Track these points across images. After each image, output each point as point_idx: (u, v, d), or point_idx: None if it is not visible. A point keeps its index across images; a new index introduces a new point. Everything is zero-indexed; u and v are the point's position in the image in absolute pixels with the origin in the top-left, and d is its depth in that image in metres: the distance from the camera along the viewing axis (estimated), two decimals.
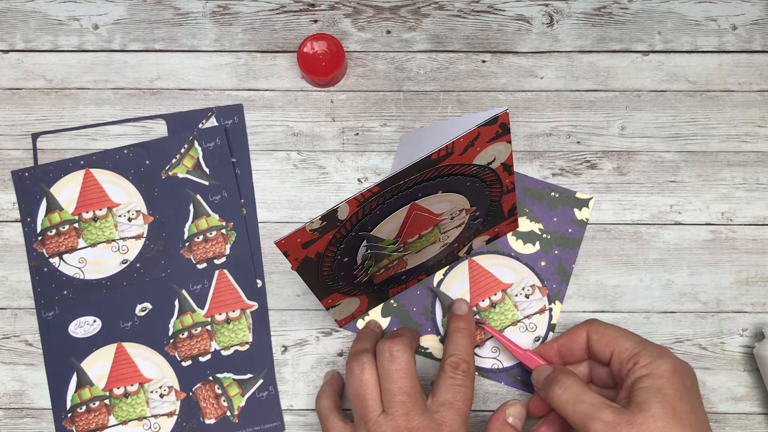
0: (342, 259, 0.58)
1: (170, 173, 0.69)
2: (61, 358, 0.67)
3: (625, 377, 0.56)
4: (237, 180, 0.70)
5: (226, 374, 0.67)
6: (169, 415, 0.66)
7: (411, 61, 0.72)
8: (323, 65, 0.69)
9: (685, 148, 0.70)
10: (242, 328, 0.67)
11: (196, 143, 0.70)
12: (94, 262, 0.68)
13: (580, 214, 0.69)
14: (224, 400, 0.66)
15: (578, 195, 0.69)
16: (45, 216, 0.69)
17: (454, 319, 0.62)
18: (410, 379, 0.56)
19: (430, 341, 0.68)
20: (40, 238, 0.68)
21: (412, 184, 0.55)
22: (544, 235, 0.69)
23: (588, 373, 0.62)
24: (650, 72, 0.71)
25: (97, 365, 0.67)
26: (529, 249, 0.69)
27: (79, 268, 0.68)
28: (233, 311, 0.68)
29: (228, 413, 0.66)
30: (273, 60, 0.72)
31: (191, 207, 0.69)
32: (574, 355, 0.61)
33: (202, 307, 0.68)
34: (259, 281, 0.68)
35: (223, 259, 0.68)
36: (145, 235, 0.69)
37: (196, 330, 0.67)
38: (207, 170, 0.69)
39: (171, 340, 0.67)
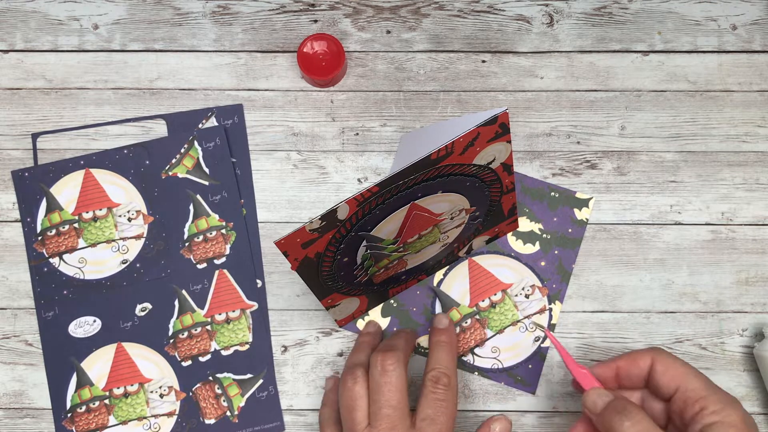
0: (342, 259, 0.58)
1: (170, 173, 0.69)
2: (61, 358, 0.67)
3: (690, 421, 0.53)
4: (237, 180, 0.70)
5: (226, 374, 0.67)
6: (169, 415, 0.66)
7: (411, 61, 0.72)
8: (323, 65, 0.69)
9: (685, 148, 0.70)
10: (242, 328, 0.67)
11: (196, 143, 0.70)
12: (94, 262, 0.68)
13: (580, 214, 0.69)
14: (224, 400, 0.67)
15: (578, 195, 0.69)
16: (45, 216, 0.69)
17: (434, 332, 0.61)
18: (398, 394, 0.56)
19: None
20: (40, 238, 0.68)
21: (411, 184, 0.55)
22: (544, 235, 0.69)
23: (640, 404, 0.58)
24: (650, 72, 0.71)
25: (97, 365, 0.67)
26: (529, 249, 0.69)
27: (79, 268, 0.68)
28: (233, 311, 0.68)
29: (228, 413, 0.66)
30: (273, 60, 0.72)
31: (191, 207, 0.69)
32: (632, 380, 0.57)
33: (202, 307, 0.68)
34: (259, 281, 0.68)
35: (223, 259, 0.68)
36: (145, 235, 0.69)
37: (196, 330, 0.67)
38: (207, 170, 0.69)
39: (171, 340, 0.67)
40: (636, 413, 0.51)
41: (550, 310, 0.68)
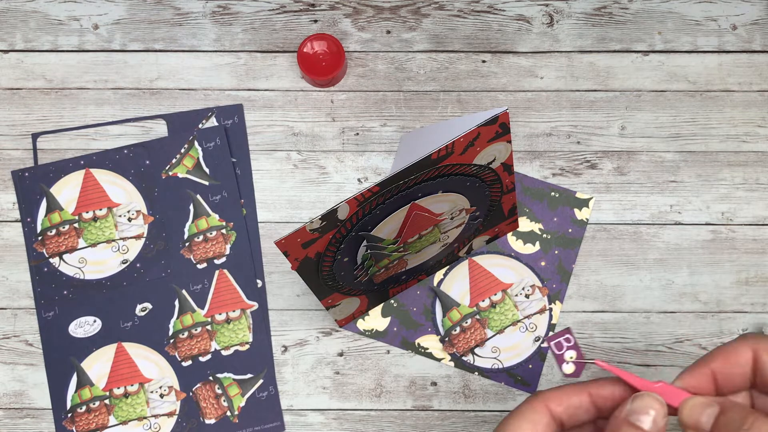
0: (342, 259, 0.58)
1: (170, 173, 0.69)
2: (61, 358, 0.67)
3: None
4: (237, 180, 0.70)
5: (226, 374, 0.67)
6: (169, 415, 0.66)
7: (411, 61, 0.72)
8: (323, 65, 0.69)
9: (685, 148, 0.70)
10: (242, 328, 0.67)
11: (196, 143, 0.70)
12: (94, 262, 0.68)
13: (580, 214, 0.69)
14: (224, 400, 0.67)
15: (578, 195, 0.69)
16: (45, 216, 0.69)
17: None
18: None
19: (430, 341, 0.68)
20: (40, 238, 0.68)
21: (412, 184, 0.55)
22: (544, 235, 0.69)
23: (749, 405, 0.45)
24: (650, 72, 0.71)
25: (97, 365, 0.67)
26: (529, 249, 0.69)
27: (79, 268, 0.68)
28: (233, 311, 0.68)
29: (228, 413, 0.66)
30: (273, 60, 0.72)
31: (191, 207, 0.69)
32: (733, 382, 0.43)
33: (202, 307, 0.68)
34: (259, 281, 0.68)
35: (223, 259, 0.68)
36: (145, 235, 0.69)
37: (196, 330, 0.67)
38: (207, 170, 0.69)
39: (171, 340, 0.67)
40: (765, 427, 0.39)
41: (550, 310, 0.68)
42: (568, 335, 0.56)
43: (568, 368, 0.56)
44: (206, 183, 0.69)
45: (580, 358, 0.51)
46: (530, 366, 0.67)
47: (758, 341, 0.43)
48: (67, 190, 0.69)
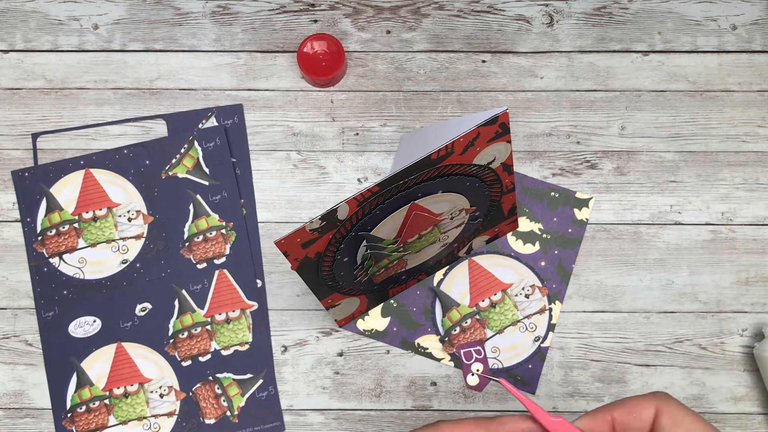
0: (342, 259, 0.58)
1: (170, 173, 0.69)
2: (61, 358, 0.67)
3: None
4: (237, 180, 0.70)
5: (226, 374, 0.67)
6: (169, 415, 0.66)
7: (411, 61, 0.72)
8: (323, 65, 0.69)
9: (685, 148, 0.70)
10: (242, 328, 0.67)
11: (196, 143, 0.70)
12: (94, 262, 0.68)
13: (580, 214, 0.69)
14: (224, 400, 0.66)
15: (578, 195, 0.69)
16: (45, 216, 0.69)
17: None
18: None
19: (430, 341, 0.68)
20: (40, 238, 0.68)
21: (412, 184, 0.55)
22: (544, 235, 0.69)
23: None
24: (650, 72, 0.71)
25: (97, 365, 0.67)
26: (529, 249, 0.69)
27: (79, 268, 0.68)
28: (233, 311, 0.68)
29: (228, 413, 0.66)
30: (273, 60, 0.72)
31: (191, 207, 0.69)
32: None
33: (202, 307, 0.68)
34: (259, 281, 0.68)
35: (223, 259, 0.68)
36: (145, 235, 0.69)
37: (196, 330, 0.67)
38: (207, 170, 0.69)
39: (171, 340, 0.67)
40: None
41: (550, 310, 0.68)
42: (479, 347, 0.54)
43: (473, 380, 0.54)
44: (206, 183, 0.69)
45: (486, 373, 0.49)
46: (530, 366, 0.67)
47: (664, 402, 0.43)
48: (67, 190, 0.69)
